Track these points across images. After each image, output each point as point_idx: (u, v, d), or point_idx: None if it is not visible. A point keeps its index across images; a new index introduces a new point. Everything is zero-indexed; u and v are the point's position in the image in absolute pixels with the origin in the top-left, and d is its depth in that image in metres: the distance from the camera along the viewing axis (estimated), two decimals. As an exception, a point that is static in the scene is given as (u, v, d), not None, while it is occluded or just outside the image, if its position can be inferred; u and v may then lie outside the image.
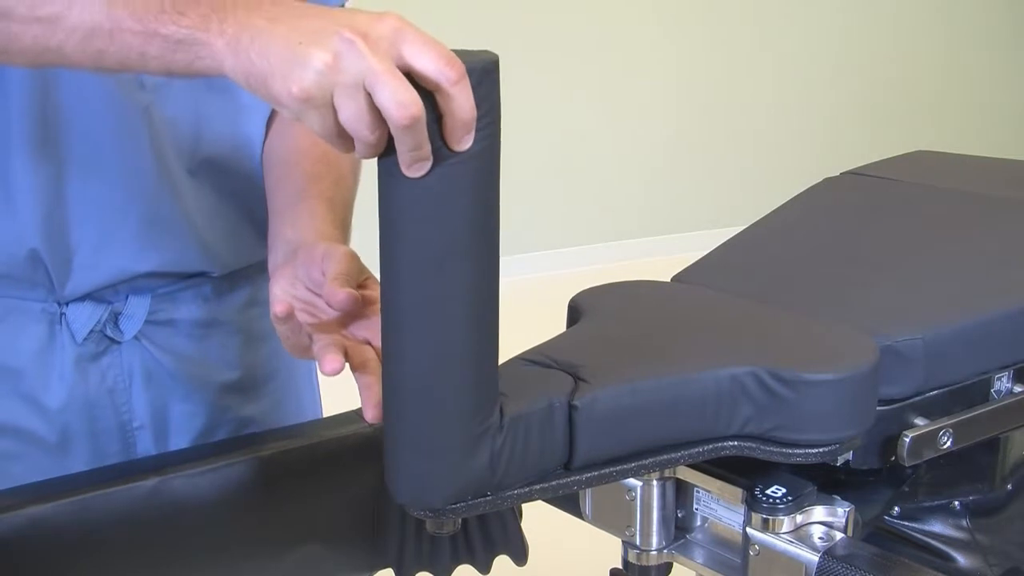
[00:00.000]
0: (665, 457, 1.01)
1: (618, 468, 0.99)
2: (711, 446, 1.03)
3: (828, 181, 1.57)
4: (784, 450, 1.03)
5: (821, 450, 1.03)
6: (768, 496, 1.09)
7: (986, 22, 5.58)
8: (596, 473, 0.99)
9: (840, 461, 1.11)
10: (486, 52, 0.82)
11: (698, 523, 1.24)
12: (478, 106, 0.80)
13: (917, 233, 1.35)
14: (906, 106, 5.38)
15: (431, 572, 1.40)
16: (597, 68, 4.61)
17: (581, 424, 0.97)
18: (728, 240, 1.37)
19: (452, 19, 4.10)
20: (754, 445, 1.03)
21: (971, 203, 1.42)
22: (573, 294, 1.21)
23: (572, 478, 0.98)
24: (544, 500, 1.04)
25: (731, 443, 1.03)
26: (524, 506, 1.42)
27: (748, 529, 1.11)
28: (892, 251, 1.31)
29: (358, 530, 1.35)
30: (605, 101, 4.67)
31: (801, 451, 1.03)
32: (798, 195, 1.51)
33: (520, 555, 1.42)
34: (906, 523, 1.27)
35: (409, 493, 0.93)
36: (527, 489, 0.96)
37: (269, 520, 1.30)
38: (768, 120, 5.05)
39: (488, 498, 0.94)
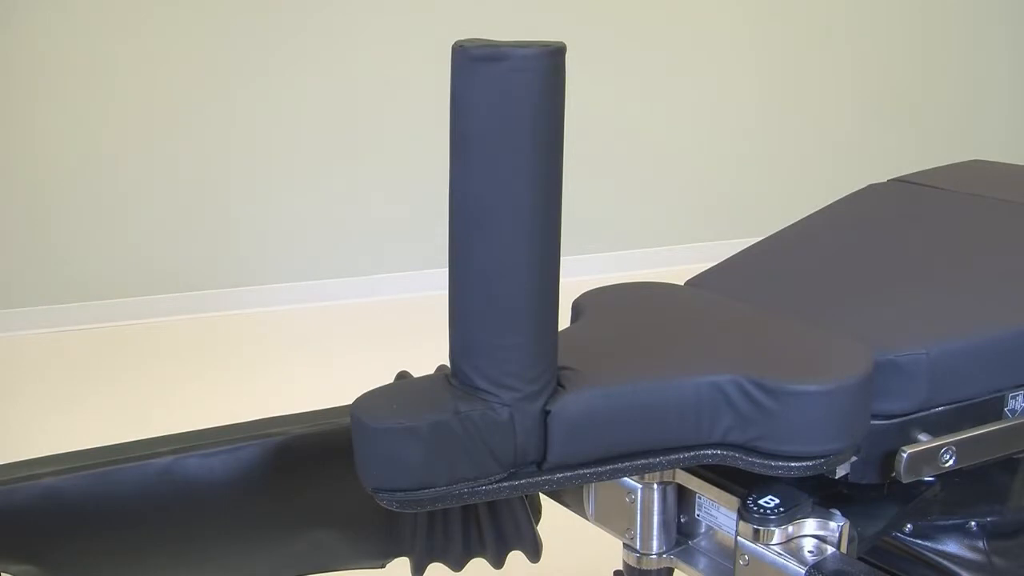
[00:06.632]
0: (642, 462, 1.01)
1: (591, 471, 0.99)
2: (691, 453, 1.02)
3: (871, 188, 1.53)
4: (767, 462, 1.01)
5: (805, 463, 1.01)
6: (760, 506, 1.07)
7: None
8: (568, 474, 0.99)
9: (840, 474, 1.09)
10: (557, 42, 0.90)
11: (702, 530, 1.23)
12: (547, 90, 0.89)
13: (947, 245, 1.31)
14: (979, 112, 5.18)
15: (444, 563, 1.42)
16: (649, 66, 4.54)
17: (554, 427, 0.97)
18: (751, 246, 1.35)
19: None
20: (736, 455, 1.02)
21: (1012, 215, 1.37)
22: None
23: (543, 478, 0.99)
24: (520, 495, 1.04)
25: (712, 451, 1.02)
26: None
27: (738, 538, 1.10)
28: (917, 262, 1.27)
29: (373, 518, 1.37)
30: (655, 100, 4.60)
31: (783, 463, 1.01)
32: (835, 202, 1.48)
33: (533, 552, 1.42)
34: (919, 541, 1.24)
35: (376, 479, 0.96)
36: (496, 485, 0.97)
37: (284, 503, 1.32)
38: (816, 128, 4.91)
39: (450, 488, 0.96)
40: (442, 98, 3.92)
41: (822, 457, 1.01)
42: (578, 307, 1.19)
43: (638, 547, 1.22)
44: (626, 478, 1.19)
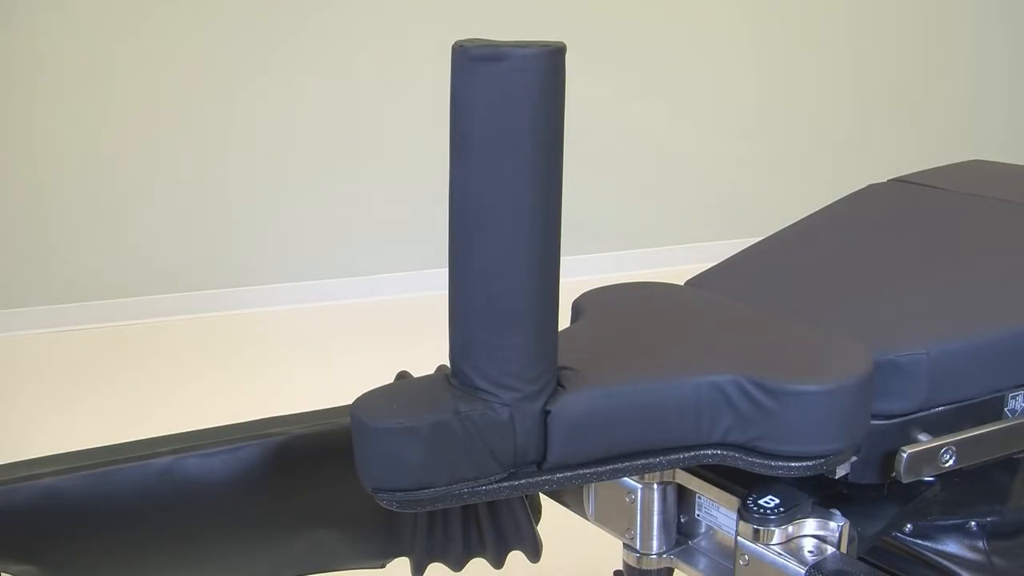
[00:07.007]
0: (642, 462, 1.01)
1: (591, 471, 0.99)
2: (692, 453, 1.02)
3: (871, 188, 1.53)
4: (767, 462, 1.01)
5: (805, 463, 1.01)
6: (760, 506, 1.07)
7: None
8: (568, 474, 0.99)
9: (840, 474, 1.09)
10: (557, 42, 0.91)
11: (702, 530, 1.23)
12: (547, 90, 0.89)
13: (947, 245, 1.31)
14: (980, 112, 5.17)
15: (444, 563, 1.42)
16: (649, 66, 4.54)
17: (554, 427, 0.97)
18: (751, 246, 1.35)
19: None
20: (736, 455, 1.02)
21: (1011, 215, 1.37)
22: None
23: (543, 478, 0.99)
24: (520, 495, 1.04)
25: (712, 451, 1.02)
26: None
27: (738, 538, 1.10)
28: (917, 262, 1.27)
29: (373, 518, 1.37)
30: (655, 100, 4.60)
31: (783, 463, 1.01)
32: (835, 202, 1.48)
33: (533, 552, 1.42)
34: (918, 541, 1.24)
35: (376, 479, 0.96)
36: (496, 485, 0.97)
37: (284, 503, 1.32)
38: (817, 127, 4.90)
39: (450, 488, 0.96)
40: (442, 98, 3.92)
41: (822, 457, 1.01)
42: (578, 307, 1.19)
43: (638, 547, 1.22)
44: (626, 478, 1.19)
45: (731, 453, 1.02)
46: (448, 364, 1.02)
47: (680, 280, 1.31)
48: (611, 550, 1.34)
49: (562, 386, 0.99)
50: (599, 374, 1.00)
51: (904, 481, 1.07)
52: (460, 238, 0.94)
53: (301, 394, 3.24)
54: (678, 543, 1.22)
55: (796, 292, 1.23)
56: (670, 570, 1.25)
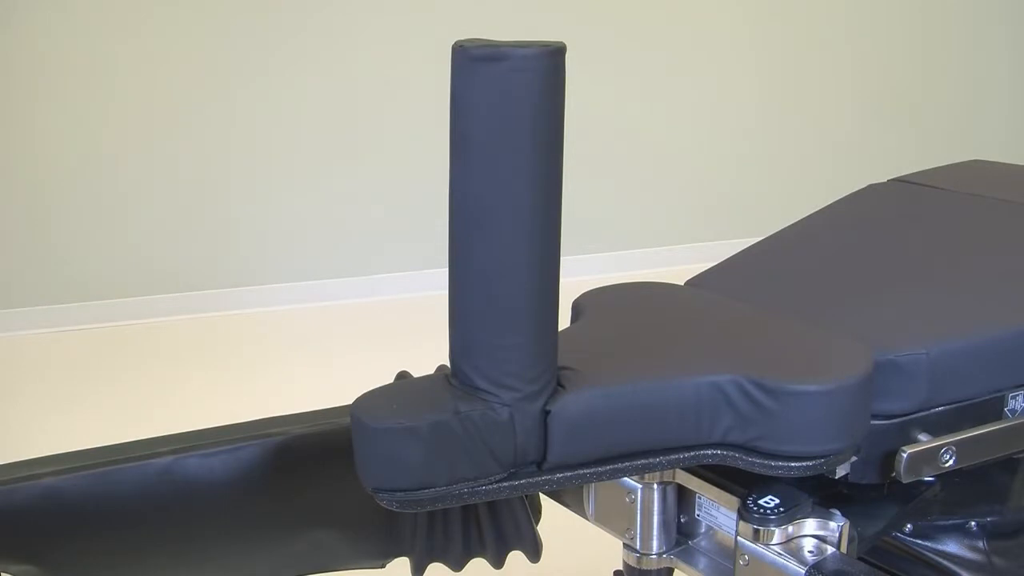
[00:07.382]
0: (642, 462, 1.01)
1: (591, 471, 0.99)
2: (691, 453, 1.02)
3: (871, 188, 1.53)
4: (767, 462, 1.01)
5: (805, 463, 1.01)
6: (760, 506, 1.08)
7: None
8: (568, 474, 0.99)
9: (840, 474, 1.09)
10: (557, 42, 0.91)
11: (702, 530, 1.23)
12: (547, 90, 0.89)
13: (947, 245, 1.31)
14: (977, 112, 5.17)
15: (444, 563, 1.42)
16: (649, 66, 4.53)
17: (554, 427, 0.97)
18: (751, 246, 1.35)
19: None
20: (736, 455, 1.02)
21: (1011, 215, 1.37)
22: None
23: (543, 478, 0.99)
24: (520, 495, 1.04)
25: (712, 451, 1.02)
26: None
27: (738, 538, 1.10)
28: (917, 262, 1.27)
29: (373, 518, 1.37)
30: (655, 100, 4.60)
31: (783, 463, 1.01)
32: (835, 202, 1.48)
33: (533, 552, 1.42)
34: (918, 541, 1.24)
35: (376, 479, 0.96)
36: (496, 485, 0.97)
37: (284, 503, 1.33)
38: (815, 127, 4.90)
39: (450, 488, 0.96)
40: (442, 98, 3.92)
41: (822, 457, 1.01)
42: (578, 307, 1.19)
43: (638, 547, 1.22)
44: (626, 478, 1.19)
45: (731, 453, 1.02)
46: (448, 364, 1.02)
47: (680, 280, 1.31)
48: (611, 550, 1.35)
49: (562, 386, 0.99)
50: (599, 374, 1.00)
51: (904, 481, 1.07)
52: (460, 238, 0.94)
53: (301, 394, 3.24)
54: (678, 543, 1.22)
55: (796, 292, 1.23)
56: (670, 570, 1.25)
